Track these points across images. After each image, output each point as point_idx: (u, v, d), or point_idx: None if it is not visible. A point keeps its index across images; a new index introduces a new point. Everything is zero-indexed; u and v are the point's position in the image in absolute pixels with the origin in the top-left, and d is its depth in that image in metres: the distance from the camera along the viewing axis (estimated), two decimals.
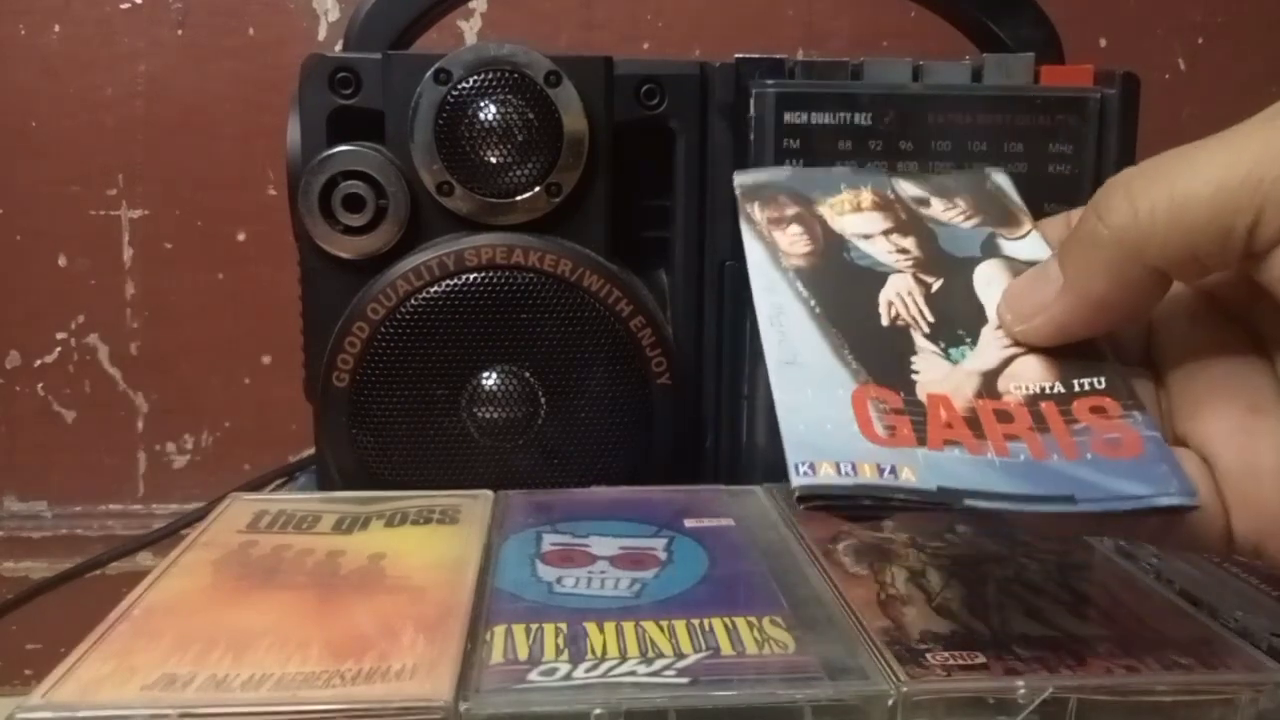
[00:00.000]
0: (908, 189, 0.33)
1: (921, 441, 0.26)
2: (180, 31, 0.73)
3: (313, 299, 0.45)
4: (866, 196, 0.33)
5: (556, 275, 0.44)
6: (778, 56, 0.44)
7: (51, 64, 0.72)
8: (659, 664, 0.28)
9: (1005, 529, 0.38)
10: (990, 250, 0.31)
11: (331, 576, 0.34)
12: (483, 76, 0.43)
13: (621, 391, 0.44)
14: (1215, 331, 0.27)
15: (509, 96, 0.43)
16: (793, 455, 0.25)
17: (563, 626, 0.30)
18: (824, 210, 0.32)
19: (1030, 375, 0.27)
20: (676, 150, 0.46)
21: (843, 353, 0.28)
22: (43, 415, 0.77)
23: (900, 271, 0.30)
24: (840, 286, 0.30)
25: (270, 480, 0.59)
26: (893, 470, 0.24)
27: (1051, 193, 0.43)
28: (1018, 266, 0.30)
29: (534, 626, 0.30)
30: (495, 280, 0.43)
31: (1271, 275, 0.24)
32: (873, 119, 0.43)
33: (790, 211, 0.32)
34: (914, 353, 0.28)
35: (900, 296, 0.30)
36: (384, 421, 0.44)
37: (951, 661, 0.28)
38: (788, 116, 0.43)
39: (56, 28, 0.72)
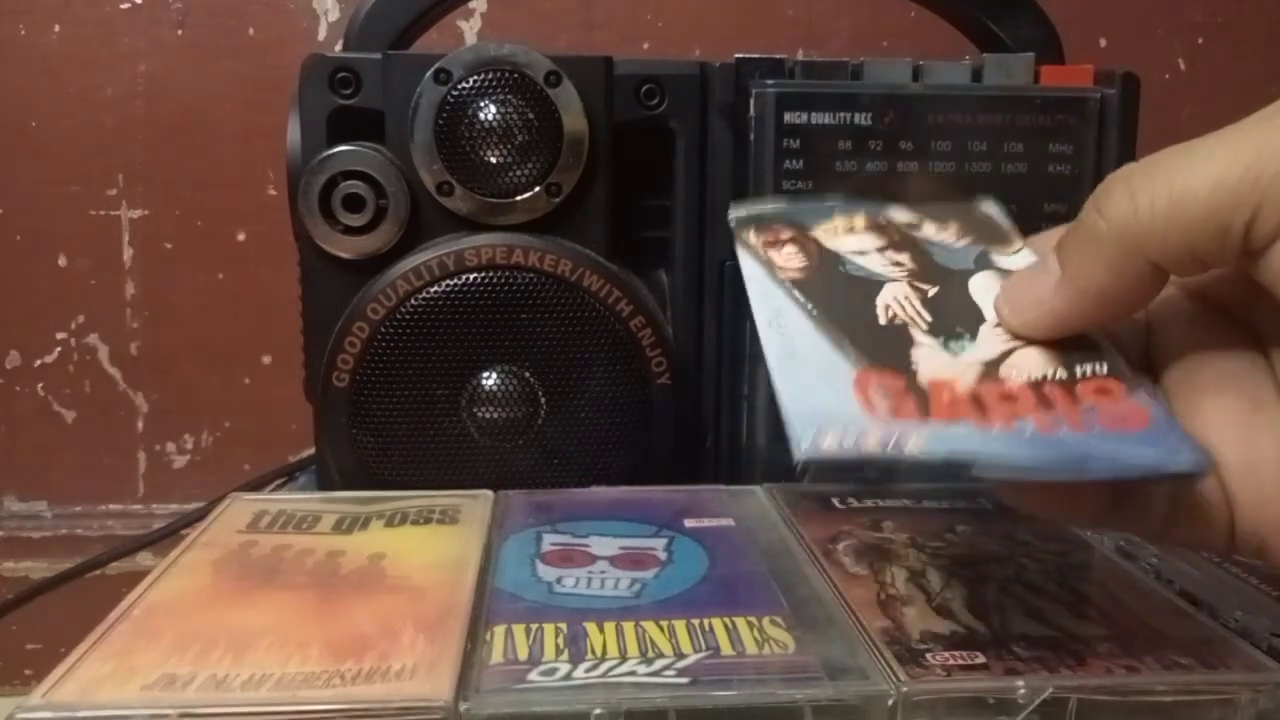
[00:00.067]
0: (900, 215, 0.34)
1: (926, 416, 0.25)
2: (180, 31, 0.73)
3: (313, 299, 0.45)
4: (860, 220, 0.33)
5: (556, 275, 0.44)
6: (778, 56, 0.44)
7: (51, 64, 0.72)
8: (659, 664, 0.28)
9: (1007, 525, 0.38)
10: (983, 264, 0.31)
11: (331, 576, 0.34)
12: (483, 76, 0.43)
13: (621, 391, 0.44)
14: (1213, 331, 0.27)
15: (509, 96, 0.43)
16: (796, 426, 0.24)
17: (563, 626, 0.30)
18: (818, 233, 0.32)
19: (1032, 364, 0.27)
20: (676, 150, 0.46)
21: (843, 344, 0.28)
22: (43, 415, 0.77)
23: (896, 280, 0.31)
24: (837, 292, 0.30)
25: (270, 480, 0.59)
26: (898, 442, 0.24)
27: (1051, 193, 0.43)
28: None
29: (534, 626, 0.30)
30: (495, 280, 0.43)
31: (1269, 271, 0.24)
32: (873, 119, 0.43)
33: (785, 235, 0.32)
34: (914, 346, 0.28)
35: (897, 300, 0.30)
36: (384, 421, 0.44)
37: (951, 661, 0.28)
38: (788, 116, 0.43)
39: (56, 28, 0.72)
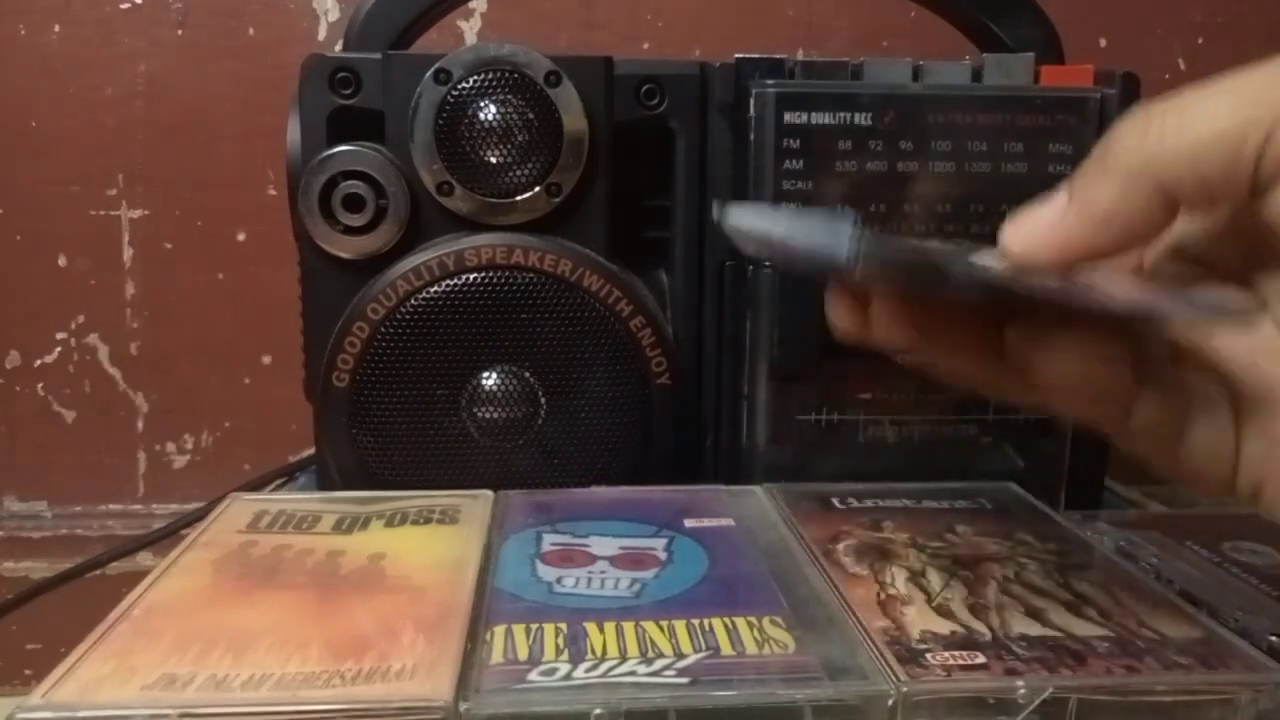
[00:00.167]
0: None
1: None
2: (180, 31, 0.73)
3: (313, 299, 0.45)
4: None
5: (556, 275, 0.44)
6: (778, 56, 0.44)
7: (51, 64, 0.72)
8: (659, 664, 0.28)
9: (1007, 525, 0.38)
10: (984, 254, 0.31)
11: (331, 576, 0.34)
12: (483, 76, 0.43)
13: (621, 391, 0.44)
14: None
15: (509, 96, 0.43)
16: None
17: (563, 626, 0.30)
18: None
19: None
20: (676, 150, 0.46)
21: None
22: (43, 415, 0.77)
23: None
24: None
25: (270, 480, 0.59)
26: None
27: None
28: None
29: (534, 626, 0.30)
30: (495, 280, 0.43)
31: (1276, 209, 0.24)
32: (873, 119, 0.43)
33: None
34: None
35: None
36: (384, 421, 0.44)
37: (951, 661, 0.28)
38: (788, 116, 0.43)
39: (56, 28, 0.72)
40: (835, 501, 0.42)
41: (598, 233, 0.45)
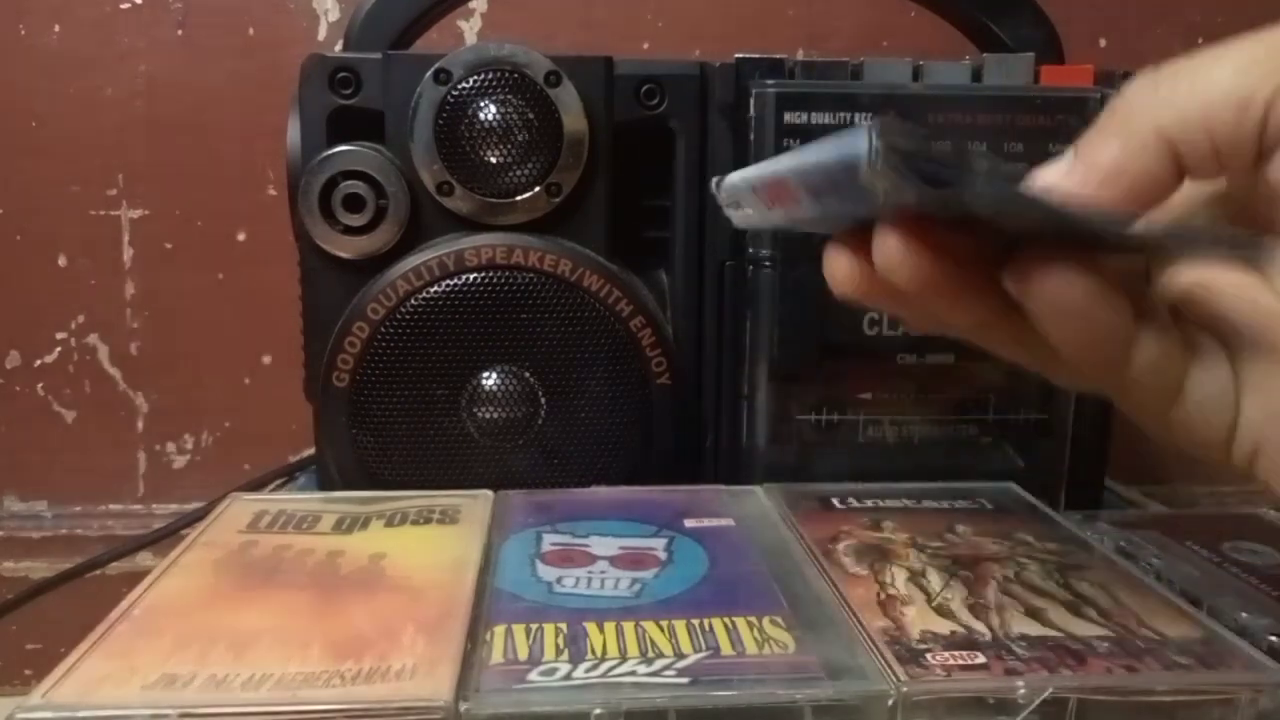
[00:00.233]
0: None
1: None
2: (180, 31, 0.73)
3: (313, 299, 0.45)
4: None
5: (556, 275, 0.44)
6: (778, 56, 0.44)
7: (51, 64, 0.72)
8: (659, 664, 0.28)
9: (1007, 525, 0.38)
10: None
11: (332, 576, 0.34)
12: (483, 76, 0.43)
13: (621, 391, 0.44)
14: None
15: (509, 96, 0.43)
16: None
17: (563, 626, 0.30)
18: None
19: None
20: (676, 150, 0.46)
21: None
22: (43, 415, 0.77)
23: None
24: None
25: (270, 480, 0.59)
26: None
27: None
28: None
29: (534, 626, 0.30)
30: (495, 280, 0.43)
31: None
32: (873, 119, 0.43)
33: None
34: None
35: None
36: (384, 421, 0.44)
37: (951, 661, 0.28)
38: (788, 116, 0.43)
39: (56, 28, 0.72)
40: (835, 501, 0.42)
41: (598, 233, 0.45)
